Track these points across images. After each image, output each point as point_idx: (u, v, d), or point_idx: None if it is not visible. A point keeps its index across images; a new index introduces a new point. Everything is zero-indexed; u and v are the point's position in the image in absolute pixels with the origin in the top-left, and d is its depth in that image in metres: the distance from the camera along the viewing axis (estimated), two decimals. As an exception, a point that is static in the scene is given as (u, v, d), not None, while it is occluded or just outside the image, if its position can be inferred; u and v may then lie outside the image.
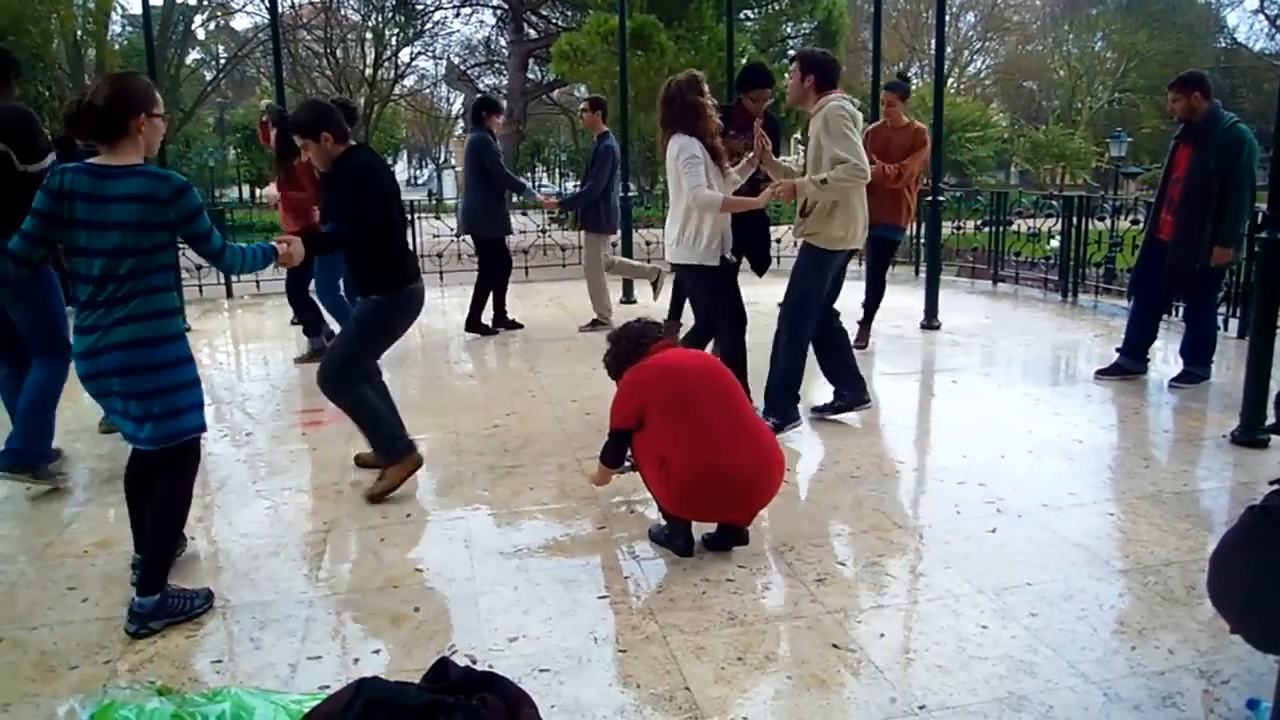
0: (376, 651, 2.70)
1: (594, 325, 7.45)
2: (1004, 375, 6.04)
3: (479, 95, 8.45)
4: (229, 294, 9.97)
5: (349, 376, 3.91)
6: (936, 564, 3.21)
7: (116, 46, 29.83)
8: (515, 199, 7.88)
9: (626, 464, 3.48)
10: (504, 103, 23.58)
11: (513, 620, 2.86)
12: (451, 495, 3.92)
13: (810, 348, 4.72)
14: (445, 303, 8.89)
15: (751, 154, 4.68)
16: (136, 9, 33.23)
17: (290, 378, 6.23)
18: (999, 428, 4.86)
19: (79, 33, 26.36)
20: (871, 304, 6.69)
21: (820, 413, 4.84)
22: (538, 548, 3.40)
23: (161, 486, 2.93)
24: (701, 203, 4.39)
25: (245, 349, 7.69)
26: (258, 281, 10.09)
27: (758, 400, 4.48)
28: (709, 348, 4.80)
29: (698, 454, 3.09)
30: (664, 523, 3.36)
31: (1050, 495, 3.81)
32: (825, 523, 3.62)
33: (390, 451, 3.94)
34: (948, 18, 8.45)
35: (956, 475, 4.10)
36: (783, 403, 4.57)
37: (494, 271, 7.43)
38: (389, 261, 3.86)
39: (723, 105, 4.74)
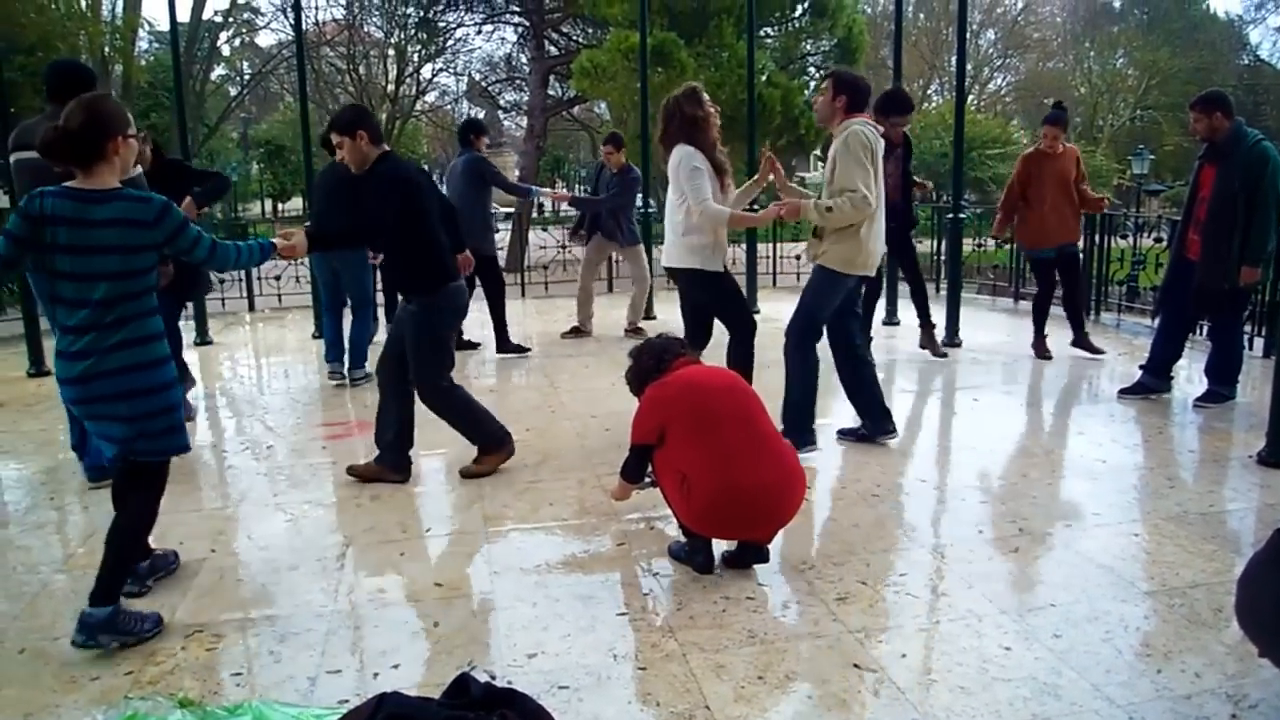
0: (396, 666, 2.70)
1: (574, 332, 7.78)
2: (1026, 394, 5.99)
3: (466, 119, 8.73)
4: (251, 307, 10.04)
5: (436, 386, 4.17)
6: (959, 584, 3.18)
7: (143, 63, 30.25)
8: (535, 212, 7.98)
9: (647, 480, 3.47)
10: (525, 119, 23.77)
11: (532, 636, 2.85)
12: (471, 510, 3.92)
13: (837, 374, 4.71)
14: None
15: (756, 177, 4.72)
16: (164, 26, 33.73)
17: (311, 391, 6.26)
18: (1021, 446, 4.83)
19: (106, 49, 26.73)
20: (1078, 314, 6.81)
21: (844, 437, 4.81)
22: (557, 564, 3.39)
23: (136, 500, 2.96)
24: (710, 217, 4.40)
25: (267, 362, 7.75)
26: (279, 295, 10.18)
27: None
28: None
29: (719, 473, 3.07)
30: (684, 539, 3.34)
31: (1074, 515, 3.77)
32: (846, 541, 3.59)
33: (487, 451, 4.31)
34: (968, 35, 8.47)
35: (978, 494, 4.07)
36: (799, 426, 4.52)
37: (500, 286, 7.45)
38: (421, 264, 4.03)
39: None
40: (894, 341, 7.45)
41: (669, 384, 3.29)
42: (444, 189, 7.11)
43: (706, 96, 4.53)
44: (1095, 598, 3.05)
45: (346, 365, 6.35)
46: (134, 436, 2.84)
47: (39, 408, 5.89)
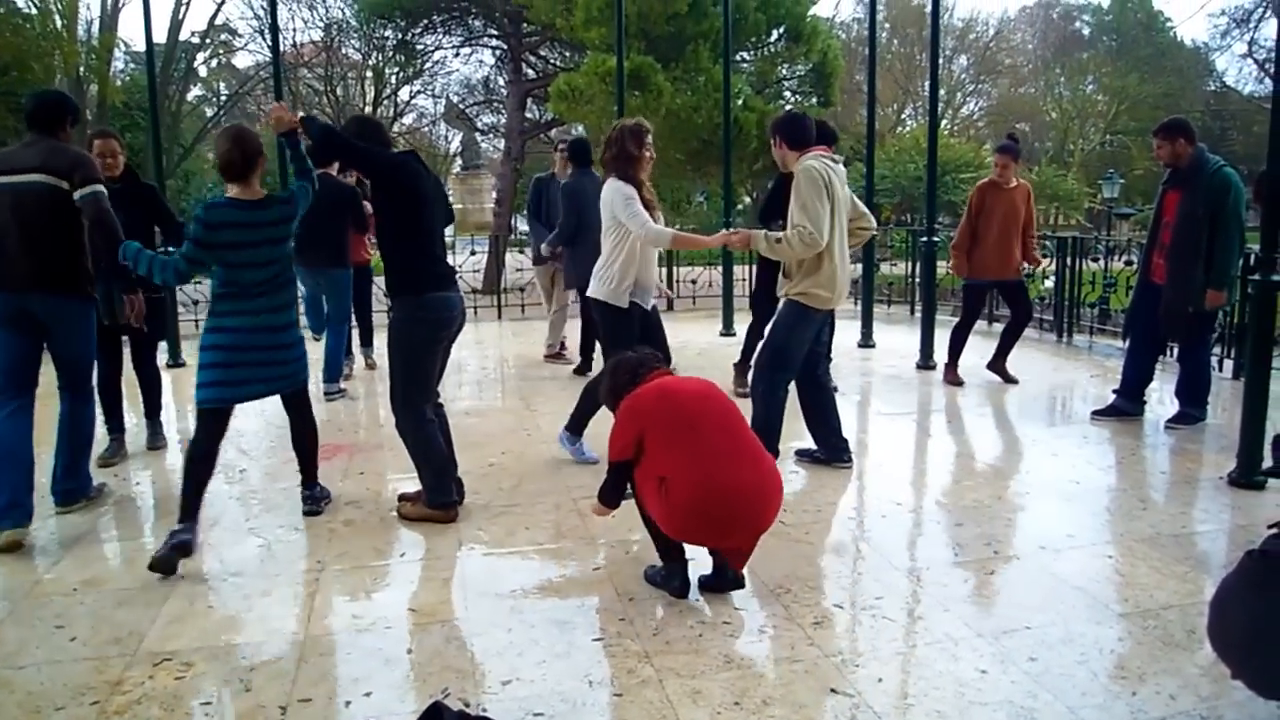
0: (368, 694, 2.66)
1: (554, 357, 7.80)
2: (1000, 416, 6.03)
3: (576, 137, 8.46)
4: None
5: (408, 407, 4.01)
6: (935, 607, 3.18)
7: (119, 83, 30.08)
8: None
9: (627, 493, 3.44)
10: (502, 142, 23.83)
11: (506, 663, 2.82)
12: (446, 535, 3.88)
13: (799, 399, 4.74)
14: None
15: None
16: (140, 46, 33.60)
17: (285, 414, 6.19)
18: (995, 468, 4.86)
19: (82, 69, 26.58)
20: (1013, 343, 6.83)
21: (801, 458, 4.83)
22: (532, 589, 3.37)
23: (309, 416, 4.25)
24: (652, 237, 4.45)
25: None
26: (254, 317, 10.08)
27: None
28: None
29: (698, 472, 3.05)
30: (659, 564, 3.33)
31: (1048, 537, 3.79)
32: (822, 564, 3.59)
33: (432, 504, 4.04)
34: (940, 60, 8.60)
35: (954, 516, 4.08)
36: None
37: None
38: (405, 266, 3.92)
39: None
40: (869, 364, 7.50)
41: (643, 393, 3.27)
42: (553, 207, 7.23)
43: (650, 139, 4.58)
44: (1070, 620, 3.06)
45: (324, 379, 6.38)
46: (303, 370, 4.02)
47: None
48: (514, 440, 5.33)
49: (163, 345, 7.15)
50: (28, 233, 3.94)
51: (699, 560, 3.31)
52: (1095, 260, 9.30)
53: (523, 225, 20.89)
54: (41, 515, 4.19)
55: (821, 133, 5.69)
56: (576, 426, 4.86)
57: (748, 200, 30.83)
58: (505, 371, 7.58)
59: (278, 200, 3.85)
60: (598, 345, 6.26)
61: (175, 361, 7.83)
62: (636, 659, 2.84)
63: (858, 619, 3.13)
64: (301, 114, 3.85)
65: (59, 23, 25.52)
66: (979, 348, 7.09)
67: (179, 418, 6.22)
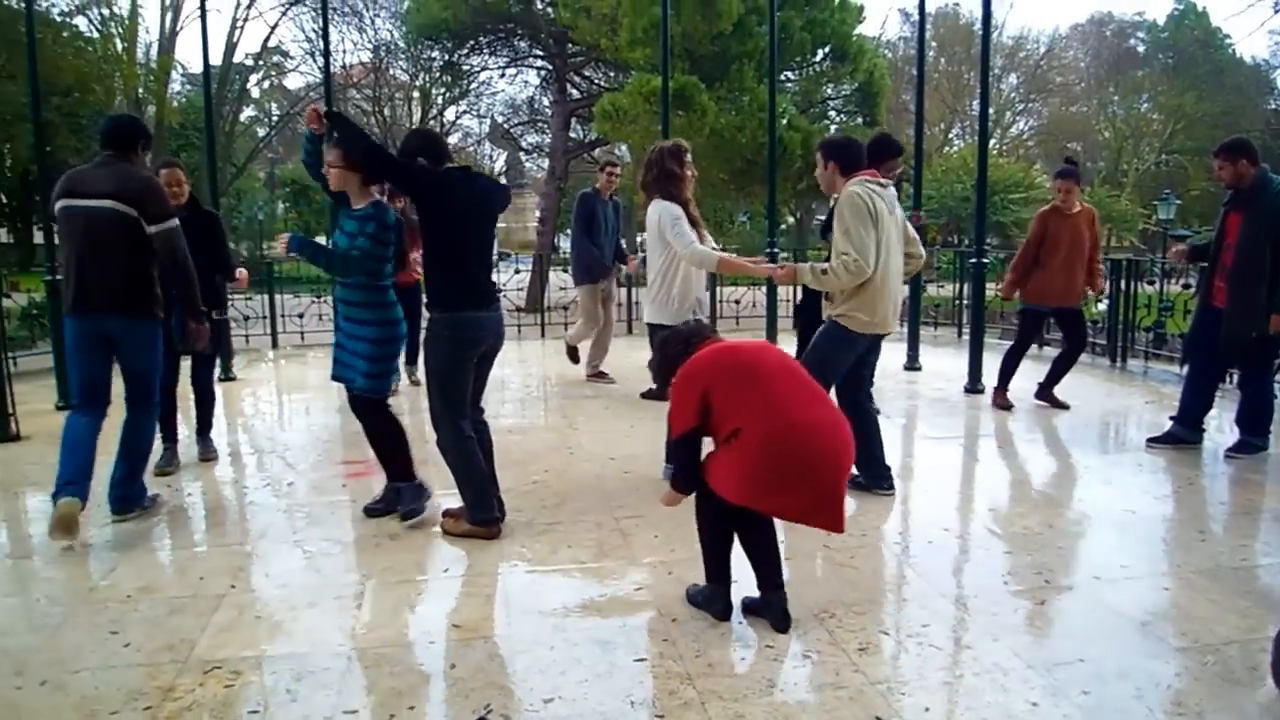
0: (411, 708, 2.67)
1: (597, 376, 7.75)
2: (1051, 441, 5.93)
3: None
4: (274, 344, 10.13)
5: (445, 423, 3.98)
6: (983, 636, 3.12)
7: (175, 104, 30.91)
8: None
9: None
10: (546, 161, 24.05)
11: (549, 681, 2.82)
12: (489, 551, 3.90)
13: None
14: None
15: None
16: (196, 68, 34.49)
17: (332, 428, 6.29)
18: (1046, 495, 4.76)
19: (140, 91, 27.34)
20: (1065, 370, 6.72)
21: None
22: (575, 607, 3.36)
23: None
24: (697, 258, 4.44)
25: (288, 399, 7.79)
26: (302, 333, 10.28)
27: None
28: None
29: (774, 413, 2.95)
30: (702, 585, 3.30)
31: (1102, 567, 3.71)
32: (867, 589, 3.54)
33: (474, 520, 4.06)
34: (990, 79, 8.50)
35: (1003, 544, 4.01)
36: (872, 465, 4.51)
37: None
38: (442, 282, 3.95)
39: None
40: (915, 387, 7.42)
41: (699, 357, 3.16)
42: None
43: (689, 157, 4.63)
44: (1125, 653, 2.98)
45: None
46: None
47: (64, 441, 5.93)
48: (556, 458, 5.34)
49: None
50: (100, 256, 4.10)
51: (743, 583, 3.28)
52: (1151, 283, 9.13)
53: (565, 244, 21.04)
54: (98, 523, 4.29)
55: (887, 145, 5.68)
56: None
57: (790, 220, 30.73)
58: (548, 390, 7.61)
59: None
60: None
61: (227, 376, 7.98)
62: (679, 681, 2.82)
63: (904, 646, 3.07)
64: (329, 110, 4.09)
65: (119, 46, 26.34)
66: (1029, 373, 6.99)
67: (229, 430, 6.34)
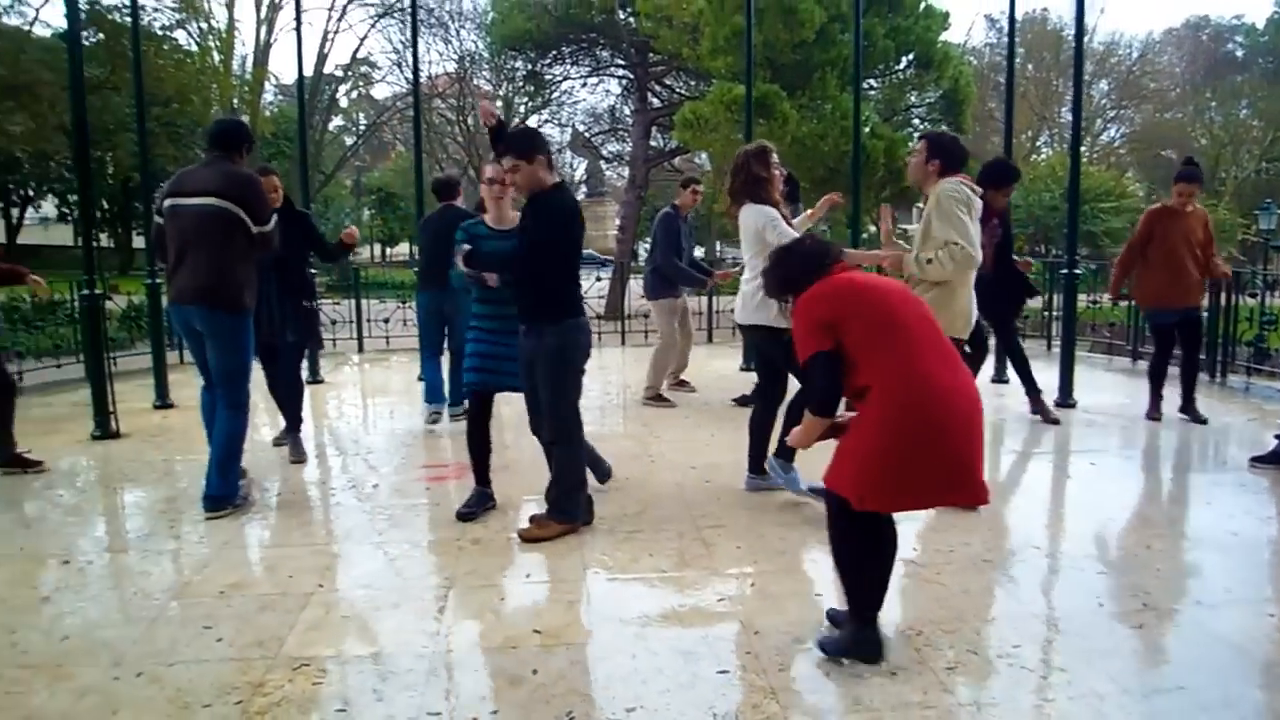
0: (495, 712, 2.69)
1: (680, 384, 7.66)
2: (1147, 459, 5.71)
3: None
4: (360, 348, 10.36)
5: (574, 425, 4.17)
6: (1077, 659, 3.01)
7: (267, 114, 31.98)
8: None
9: (841, 416, 2.93)
10: (626, 170, 24.16)
11: (630, 690, 2.80)
12: (570, 558, 3.91)
13: None
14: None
15: (810, 211, 5.03)
16: (287, 79, 35.63)
17: (415, 432, 6.39)
18: (1142, 515, 4.59)
19: (235, 101, 28.36)
20: (1192, 382, 6.53)
21: None
22: (656, 616, 3.34)
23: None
24: None
25: (373, 402, 7.95)
26: (387, 338, 10.49)
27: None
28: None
29: (912, 377, 2.69)
30: (832, 630, 3.07)
31: (1203, 591, 3.55)
32: (956, 607, 3.44)
33: (561, 516, 4.16)
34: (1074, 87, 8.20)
35: (1096, 564, 3.87)
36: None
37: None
38: (568, 290, 4.12)
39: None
40: (1003, 400, 7.22)
41: (835, 280, 2.86)
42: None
43: (775, 158, 4.60)
44: (1229, 681, 2.84)
45: (447, 404, 6.52)
46: None
47: (162, 439, 6.16)
48: (637, 466, 5.33)
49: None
50: (198, 252, 4.32)
51: (827, 596, 3.22)
52: (1253, 295, 8.75)
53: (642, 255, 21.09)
54: (191, 519, 4.44)
55: (1006, 171, 5.63)
56: (784, 452, 4.59)
57: (872, 229, 30.33)
58: (628, 397, 7.62)
59: None
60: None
61: (314, 379, 8.20)
62: (762, 694, 2.78)
63: (994, 666, 2.98)
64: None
65: (216, 58, 27.37)
66: (1124, 387, 6.76)
67: (315, 432, 6.49)
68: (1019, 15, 8.40)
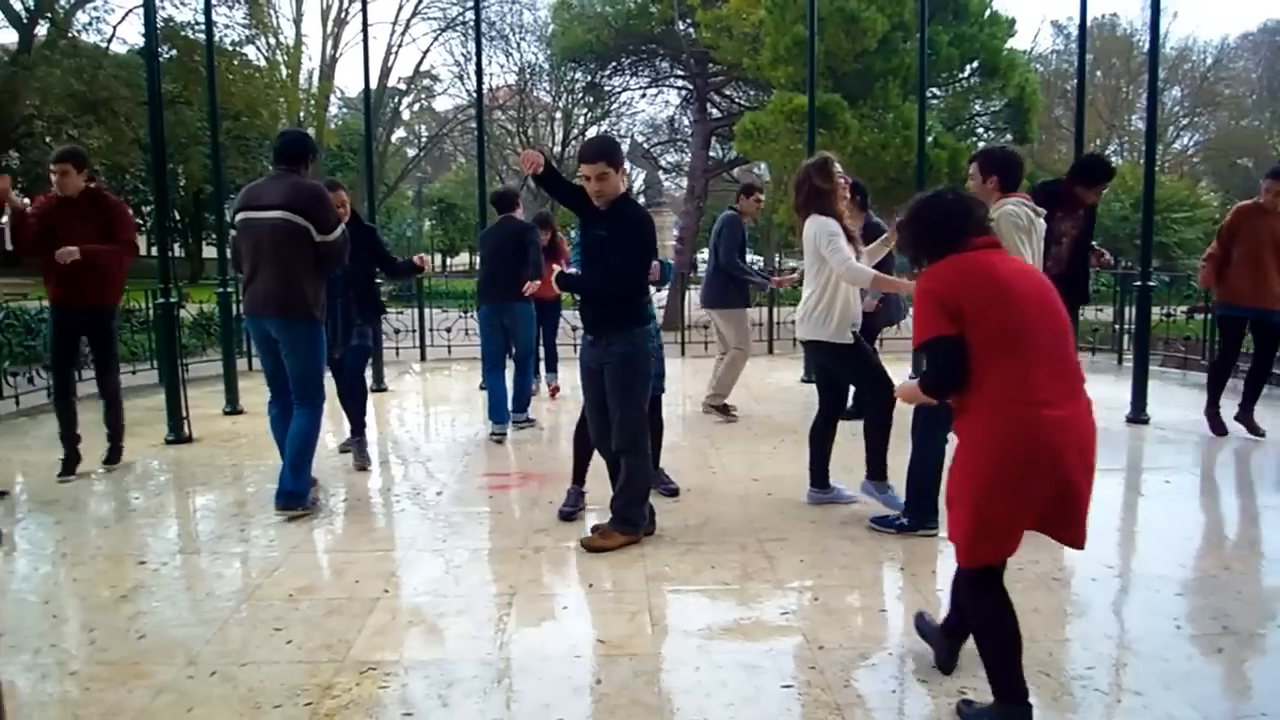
0: (559, 721, 2.70)
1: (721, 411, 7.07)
2: (1225, 477, 5.53)
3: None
4: (422, 357, 10.50)
5: (643, 433, 4.17)
6: (1154, 683, 2.92)
7: (333, 126, 32.72)
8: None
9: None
10: (685, 180, 24.23)
11: (694, 702, 2.79)
12: (633, 569, 3.90)
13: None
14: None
15: (885, 236, 4.86)
16: (352, 93, 36.38)
17: (477, 441, 6.46)
18: (1221, 535, 4.45)
19: (302, 114, 29.07)
20: (1257, 389, 6.33)
21: None
22: (720, 629, 3.33)
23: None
24: (853, 276, 4.36)
25: (435, 410, 8.06)
26: (449, 346, 10.62)
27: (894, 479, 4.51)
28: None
29: (1027, 394, 2.42)
30: (980, 707, 2.66)
31: (1288, 615, 3.42)
32: (1027, 627, 3.30)
33: (625, 526, 4.15)
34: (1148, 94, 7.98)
35: (1173, 586, 3.74)
36: (918, 504, 4.27)
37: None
38: (640, 302, 4.18)
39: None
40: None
41: (977, 263, 2.55)
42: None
43: (838, 169, 4.56)
44: (1318, 711, 2.73)
45: (510, 415, 6.58)
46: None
47: (232, 444, 6.31)
48: (699, 477, 5.31)
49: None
50: (270, 265, 4.45)
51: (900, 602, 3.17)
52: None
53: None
54: (261, 523, 4.54)
55: (1100, 168, 5.54)
56: (878, 473, 4.58)
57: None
58: (688, 409, 7.60)
59: None
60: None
61: (379, 386, 8.33)
62: (827, 711, 2.74)
63: (1066, 688, 2.90)
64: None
65: (284, 73, 28.07)
66: (1199, 402, 6.55)
67: (379, 440, 6.59)
68: (1088, 21, 8.21)
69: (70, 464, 5.41)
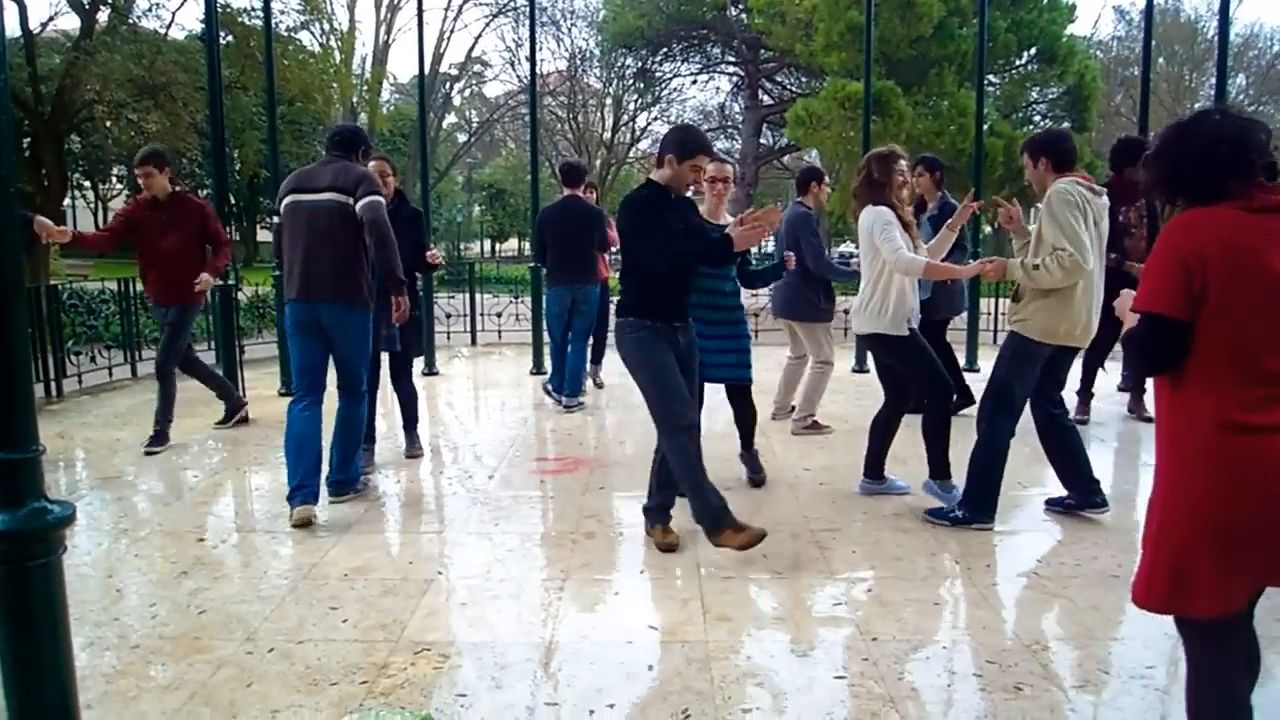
0: (611, 706, 2.70)
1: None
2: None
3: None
4: (473, 341, 10.58)
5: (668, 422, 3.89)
6: (1220, 684, 2.85)
7: (384, 111, 33.02)
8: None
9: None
10: (736, 165, 24.10)
11: (746, 690, 2.78)
12: (684, 556, 3.90)
13: (1041, 444, 4.44)
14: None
15: (950, 223, 4.74)
16: (404, 78, 36.69)
17: (527, 424, 6.49)
18: (1289, 534, 4.31)
19: (355, 100, 29.35)
20: None
21: (1051, 507, 4.48)
22: (771, 618, 3.31)
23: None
24: (904, 265, 4.28)
25: (485, 394, 8.12)
26: (499, 331, 10.69)
27: (957, 478, 4.42)
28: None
29: (1251, 412, 1.90)
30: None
31: (1360, 619, 3.31)
32: (1084, 624, 3.30)
33: (713, 523, 3.78)
34: (1216, 82, 7.74)
35: (1239, 584, 3.65)
36: (976, 502, 4.21)
37: None
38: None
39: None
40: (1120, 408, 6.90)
41: (1245, 226, 1.93)
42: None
43: (902, 163, 4.48)
44: (1393, 717, 2.65)
45: (566, 392, 6.77)
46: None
47: (287, 425, 6.41)
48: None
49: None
50: (322, 248, 4.40)
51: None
52: None
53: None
54: (319, 505, 4.59)
55: (1130, 146, 5.41)
56: (940, 472, 4.49)
57: (987, 230, 29.44)
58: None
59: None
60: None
61: (430, 370, 8.41)
62: (880, 703, 2.72)
63: (1126, 687, 2.85)
64: None
65: (338, 58, 28.33)
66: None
67: (431, 424, 6.65)
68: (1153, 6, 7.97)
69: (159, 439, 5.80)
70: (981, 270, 4.43)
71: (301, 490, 4.33)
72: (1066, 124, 17.74)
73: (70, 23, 22.45)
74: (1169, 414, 2.04)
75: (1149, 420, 6.07)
